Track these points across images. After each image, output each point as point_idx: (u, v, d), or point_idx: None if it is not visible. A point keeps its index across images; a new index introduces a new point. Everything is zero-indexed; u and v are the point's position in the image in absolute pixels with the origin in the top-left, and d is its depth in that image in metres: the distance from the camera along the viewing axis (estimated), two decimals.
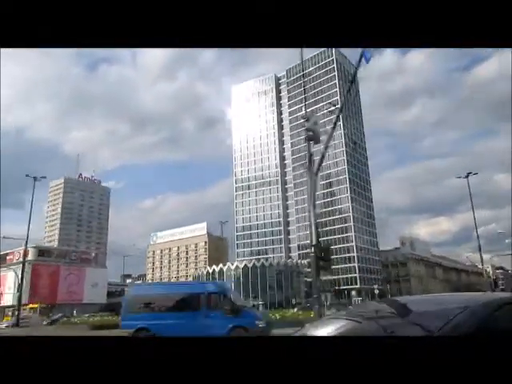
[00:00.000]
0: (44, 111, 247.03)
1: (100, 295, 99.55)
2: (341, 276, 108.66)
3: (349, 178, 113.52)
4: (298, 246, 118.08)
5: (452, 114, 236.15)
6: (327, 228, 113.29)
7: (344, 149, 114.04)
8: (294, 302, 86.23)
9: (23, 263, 56.59)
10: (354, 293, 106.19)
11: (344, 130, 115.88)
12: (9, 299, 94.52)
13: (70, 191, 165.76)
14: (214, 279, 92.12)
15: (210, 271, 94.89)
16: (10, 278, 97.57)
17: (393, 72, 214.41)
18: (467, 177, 45.63)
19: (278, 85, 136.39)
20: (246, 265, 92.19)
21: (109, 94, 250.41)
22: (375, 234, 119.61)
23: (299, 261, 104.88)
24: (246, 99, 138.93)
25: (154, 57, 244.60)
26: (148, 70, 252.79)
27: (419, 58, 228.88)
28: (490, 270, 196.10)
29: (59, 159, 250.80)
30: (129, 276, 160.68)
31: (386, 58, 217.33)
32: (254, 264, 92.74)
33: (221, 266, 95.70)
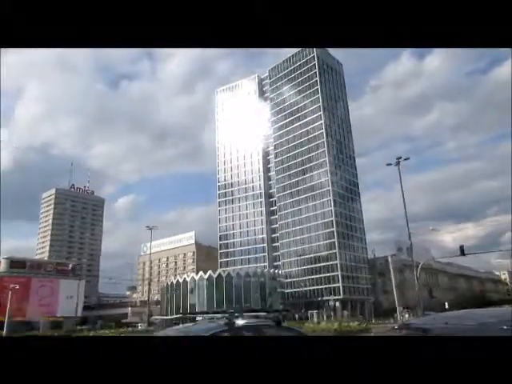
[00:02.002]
0: (68, 127, 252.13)
1: (76, 308, 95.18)
2: (323, 286, 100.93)
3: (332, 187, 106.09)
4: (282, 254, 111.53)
5: (473, 117, 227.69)
6: (306, 235, 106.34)
7: (327, 158, 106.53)
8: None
9: None
10: (338, 304, 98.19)
11: (327, 135, 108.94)
12: None
13: (61, 202, 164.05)
14: (178, 290, 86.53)
15: (174, 282, 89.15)
16: None
17: (410, 76, 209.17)
18: (398, 163, 38.75)
19: (261, 86, 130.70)
20: (210, 275, 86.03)
21: (130, 108, 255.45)
22: (364, 241, 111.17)
23: (277, 271, 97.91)
24: (230, 103, 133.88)
25: (173, 71, 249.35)
26: (168, 85, 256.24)
27: (436, 62, 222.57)
28: (507, 276, 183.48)
29: (83, 173, 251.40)
30: (134, 288, 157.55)
31: (403, 62, 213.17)
32: (219, 274, 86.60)
33: (184, 276, 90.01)
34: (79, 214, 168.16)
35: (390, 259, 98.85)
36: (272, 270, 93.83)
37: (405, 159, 38.66)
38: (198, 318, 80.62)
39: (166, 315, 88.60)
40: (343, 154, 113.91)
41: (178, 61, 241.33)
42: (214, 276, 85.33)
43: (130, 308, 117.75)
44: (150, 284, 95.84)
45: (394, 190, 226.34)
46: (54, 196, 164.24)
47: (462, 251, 35.99)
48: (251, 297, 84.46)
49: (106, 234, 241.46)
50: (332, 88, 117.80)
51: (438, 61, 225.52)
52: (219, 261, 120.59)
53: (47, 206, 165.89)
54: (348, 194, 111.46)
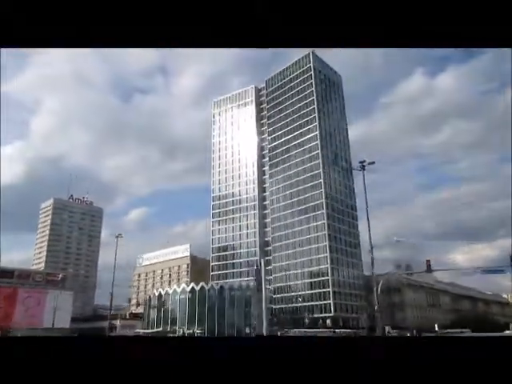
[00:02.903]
0: (81, 139, 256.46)
1: (63, 320, 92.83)
2: (314, 302, 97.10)
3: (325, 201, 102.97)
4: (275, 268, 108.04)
5: (486, 136, 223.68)
6: (298, 249, 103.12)
7: (321, 170, 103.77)
8: (247, 330, 76.19)
9: None
10: (328, 322, 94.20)
11: (322, 149, 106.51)
12: None
13: (59, 212, 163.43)
14: (159, 302, 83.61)
15: (157, 294, 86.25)
16: None
17: (423, 94, 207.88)
18: (363, 168, 36.10)
19: (258, 97, 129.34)
20: (193, 288, 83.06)
21: (142, 122, 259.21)
22: (359, 256, 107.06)
23: (266, 286, 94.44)
24: (226, 114, 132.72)
25: (185, 86, 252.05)
26: (179, 99, 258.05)
27: (449, 81, 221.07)
28: None
29: (96, 185, 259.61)
30: (129, 300, 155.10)
31: (415, 80, 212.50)
32: (202, 287, 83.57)
33: (167, 289, 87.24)
34: (77, 225, 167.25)
35: (373, 277, 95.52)
36: (254, 284, 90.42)
37: (369, 163, 35.97)
38: (179, 331, 77.75)
39: (148, 328, 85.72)
40: (339, 166, 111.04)
41: (190, 75, 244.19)
42: (197, 289, 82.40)
43: (118, 321, 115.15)
44: (137, 296, 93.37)
45: (405, 207, 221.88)
46: (51, 206, 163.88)
47: (429, 267, 33.28)
48: (234, 311, 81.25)
49: (116, 245, 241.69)
50: (329, 99, 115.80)
51: (451, 79, 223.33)
52: (211, 273, 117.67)
53: (45, 217, 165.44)
54: (345, 208, 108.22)
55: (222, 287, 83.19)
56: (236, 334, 73.66)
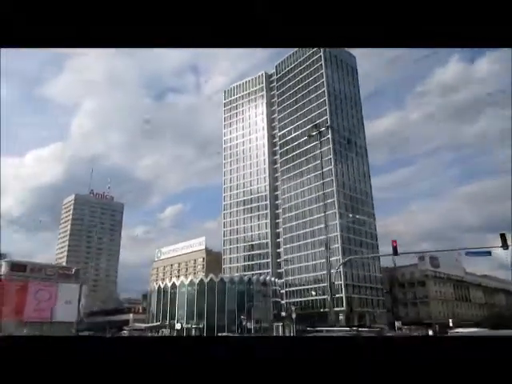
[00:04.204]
0: (117, 140, 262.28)
1: (75, 313, 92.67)
2: (321, 297, 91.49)
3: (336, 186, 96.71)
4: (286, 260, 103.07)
5: None
6: (307, 240, 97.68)
7: (332, 167, 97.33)
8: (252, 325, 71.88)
9: None
10: (341, 317, 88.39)
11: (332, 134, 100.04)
12: None
13: (80, 208, 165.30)
14: (166, 295, 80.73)
15: (162, 287, 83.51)
16: None
17: (459, 82, 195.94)
18: (319, 133, 30.72)
19: (269, 82, 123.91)
20: (192, 281, 79.73)
21: (175, 121, 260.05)
22: (376, 246, 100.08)
23: (273, 278, 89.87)
24: (237, 104, 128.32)
25: (216, 84, 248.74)
26: (211, 97, 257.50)
27: (486, 67, 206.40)
28: None
29: (131, 184, 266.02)
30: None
31: (451, 68, 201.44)
32: (211, 279, 79.97)
33: (174, 280, 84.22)
34: (98, 220, 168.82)
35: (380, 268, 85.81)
36: (262, 277, 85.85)
37: (327, 127, 30.44)
38: (177, 326, 74.57)
39: (148, 322, 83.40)
40: (353, 153, 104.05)
41: (220, 72, 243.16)
42: (196, 282, 78.99)
43: (131, 314, 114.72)
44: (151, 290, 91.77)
45: (440, 200, 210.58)
46: (73, 201, 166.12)
47: (395, 249, 28.51)
48: (238, 306, 77.20)
49: (150, 241, 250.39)
50: (341, 81, 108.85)
51: (490, 65, 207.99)
52: (223, 266, 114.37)
53: (67, 212, 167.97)
54: (359, 196, 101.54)
55: (222, 280, 79.24)
56: (237, 330, 69.62)
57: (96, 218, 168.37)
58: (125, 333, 77.95)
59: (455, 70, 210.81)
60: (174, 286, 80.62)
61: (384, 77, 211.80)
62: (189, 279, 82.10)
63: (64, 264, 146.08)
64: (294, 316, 65.04)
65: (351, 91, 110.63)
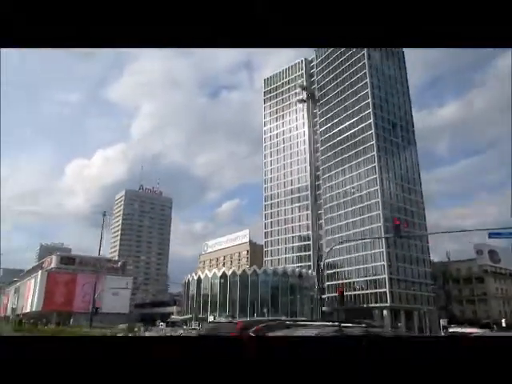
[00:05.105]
0: (175, 138, 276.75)
1: (122, 305, 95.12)
2: (364, 291, 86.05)
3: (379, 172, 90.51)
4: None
5: None
6: (349, 232, 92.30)
7: (375, 153, 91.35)
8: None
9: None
10: (385, 313, 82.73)
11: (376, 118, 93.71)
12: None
13: (130, 203, 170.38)
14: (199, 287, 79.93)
15: (196, 278, 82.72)
16: (33, 285, 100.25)
17: None
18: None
19: (309, 69, 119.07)
20: (224, 273, 77.96)
21: (229, 118, 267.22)
22: (426, 239, 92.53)
23: (309, 271, 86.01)
24: (276, 92, 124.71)
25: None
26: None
27: None
28: None
29: (189, 180, 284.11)
30: None
31: None
32: (244, 272, 77.99)
33: (206, 272, 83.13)
34: (148, 214, 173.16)
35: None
36: (298, 270, 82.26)
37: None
38: (210, 318, 73.29)
39: (185, 314, 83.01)
40: (398, 138, 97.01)
41: (272, 68, 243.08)
42: (228, 274, 77.12)
43: (175, 307, 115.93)
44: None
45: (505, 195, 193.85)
46: (123, 197, 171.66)
47: (397, 229, 24.82)
48: (275, 299, 74.39)
49: (210, 235, 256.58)
50: (385, 65, 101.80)
51: None
52: (264, 259, 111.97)
53: (118, 207, 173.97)
54: (405, 184, 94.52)
55: (254, 271, 76.74)
56: None
57: (145, 213, 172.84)
58: (162, 324, 78.08)
59: None
60: (206, 277, 79.50)
61: (446, 64, 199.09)
62: (221, 271, 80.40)
63: (116, 257, 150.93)
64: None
65: (398, 78, 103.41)
